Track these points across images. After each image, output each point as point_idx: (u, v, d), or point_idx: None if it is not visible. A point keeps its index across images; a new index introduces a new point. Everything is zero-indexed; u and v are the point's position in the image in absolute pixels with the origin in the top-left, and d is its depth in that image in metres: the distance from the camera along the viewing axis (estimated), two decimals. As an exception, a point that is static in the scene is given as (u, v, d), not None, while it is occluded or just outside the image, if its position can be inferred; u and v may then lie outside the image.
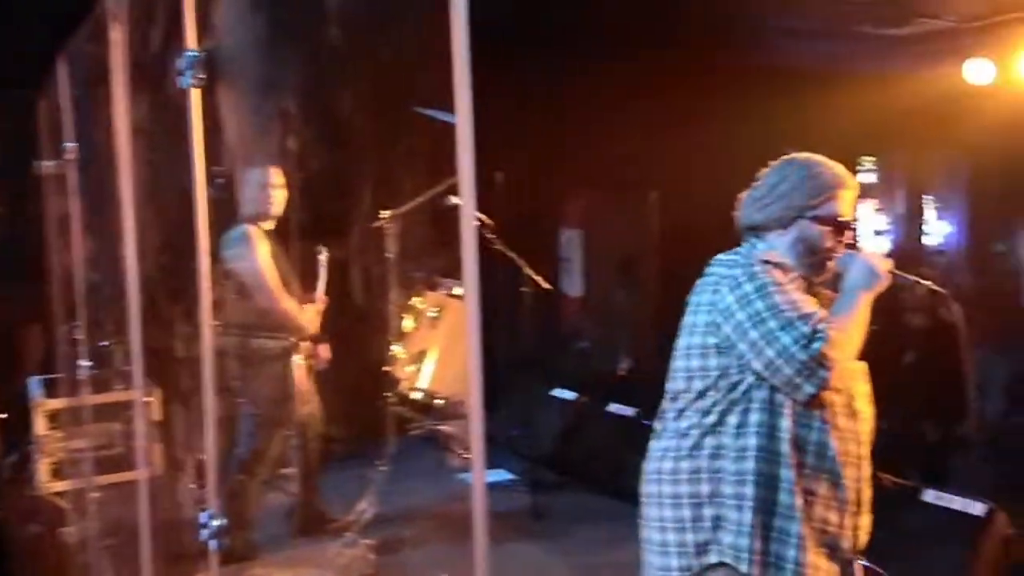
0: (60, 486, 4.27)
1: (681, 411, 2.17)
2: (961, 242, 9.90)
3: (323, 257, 4.66)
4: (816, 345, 1.98)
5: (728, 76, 6.74)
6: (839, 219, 2.23)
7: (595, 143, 6.49)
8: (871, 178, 10.31)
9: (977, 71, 6.57)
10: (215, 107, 3.77)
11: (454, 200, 4.66)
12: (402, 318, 4.68)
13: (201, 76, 2.01)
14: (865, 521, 2.15)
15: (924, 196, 10.36)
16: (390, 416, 4.73)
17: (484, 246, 4.79)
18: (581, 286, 6.83)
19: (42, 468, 4.33)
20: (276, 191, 4.41)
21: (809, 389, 2.00)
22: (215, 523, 2.07)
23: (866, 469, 2.16)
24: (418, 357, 4.49)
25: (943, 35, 6.59)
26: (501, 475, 5.44)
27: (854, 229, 2.27)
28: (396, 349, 4.64)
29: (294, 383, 4.32)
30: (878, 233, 10.28)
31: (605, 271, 6.60)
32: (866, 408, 2.19)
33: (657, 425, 2.29)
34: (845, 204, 2.24)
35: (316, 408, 4.60)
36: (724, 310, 2.07)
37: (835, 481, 2.07)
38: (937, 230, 10.36)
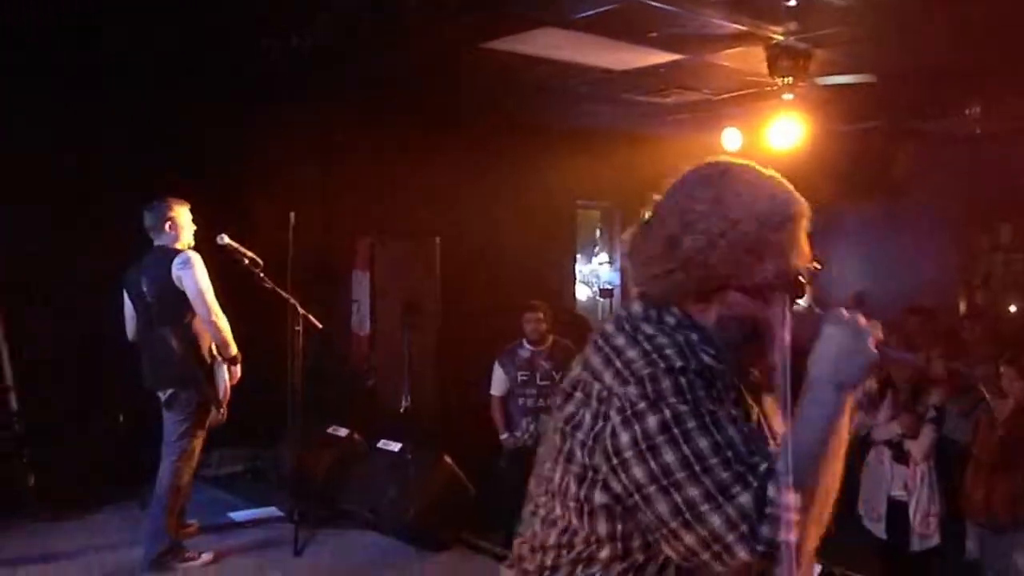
0: None
1: (551, 569, 1.38)
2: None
3: None
4: (763, 530, 1.17)
5: (510, 134, 7.28)
6: (793, 276, 1.36)
7: (387, 191, 6.81)
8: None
9: (729, 139, 7.38)
10: None
11: (224, 239, 4.85)
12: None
13: None
14: None
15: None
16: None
17: (256, 284, 4.92)
18: (369, 325, 7.05)
19: None
20: None
21: None
22: None
23: None
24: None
25: (700, 105, 7.37)
26: (270, 510, 5.55)
27: (811, 280, 1.38)
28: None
29: None
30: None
31: (392, 312, 6.84)
32: None
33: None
34: (799, 243, 1.38)
35: None
36: (613, 454, 1.25)
37: None
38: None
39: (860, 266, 10.36)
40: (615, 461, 1.25)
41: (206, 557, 4.74)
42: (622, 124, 8.19)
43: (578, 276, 9.77)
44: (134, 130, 5.97)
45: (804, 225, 1.39)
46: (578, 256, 9.77)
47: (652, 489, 1.22)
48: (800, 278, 1.37)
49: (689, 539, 1.21)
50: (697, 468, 1.20)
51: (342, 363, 6.97)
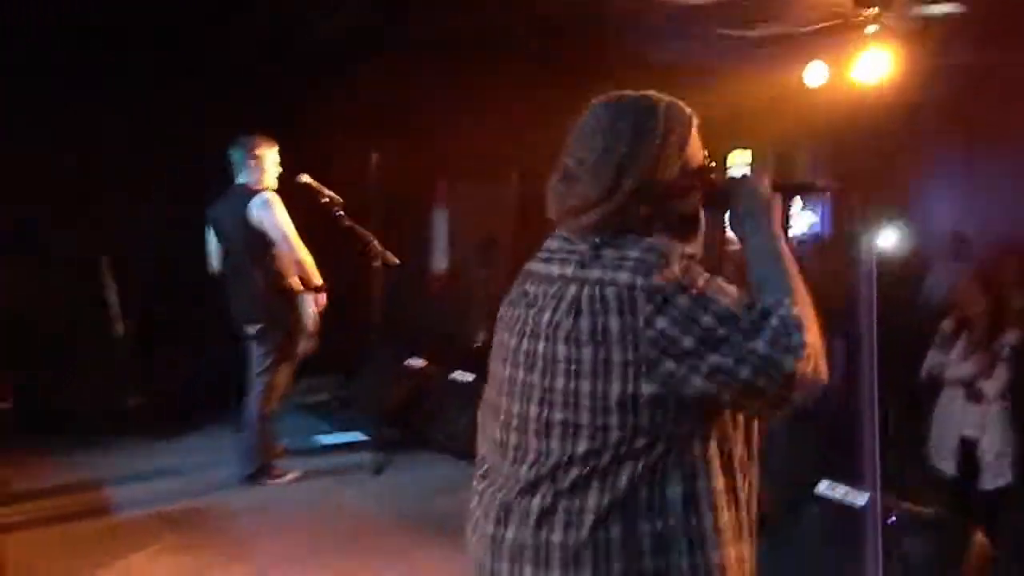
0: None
1: (585, 478, 1.47)
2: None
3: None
4: (796, 337, 1.42)
5: (589, 69, 7.21)
6: (705, 169, 1.63)
7: (466, 126, 6.90)
8: (746, 170, 11.00)
9: (814, 74, 7.18)
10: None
11: (304, 178, 5.07)
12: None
13: None
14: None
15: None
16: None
17: (335, 222, 5.15)
18: (447, 262, 7.25)
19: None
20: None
21: (797, 399, 1.45)
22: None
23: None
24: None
25: (785, 38, 7.17)
26: (353, 435, 5.90)
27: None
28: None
29: None
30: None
31: (469, 249, 7.01)
32: None
33: (511, 502, 1.54)
34: (697, 143, 1.62)
35: None
36: (661, 336, 1.41)
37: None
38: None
39: (961, 205, 9.97)
40: (664, 342, 1.42)
41: (292, 475, 5.09)
42: (707, 58, 8.03)
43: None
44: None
45: (696, 123, 1.62)
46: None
47: (703, 348, 1.41)
48: (710, 167, 1.64)
49: (744, 372, 1.41)
50: (731, 321, 1.43)
51: (421, 298, 7.20)
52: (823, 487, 3.71)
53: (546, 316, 1.52)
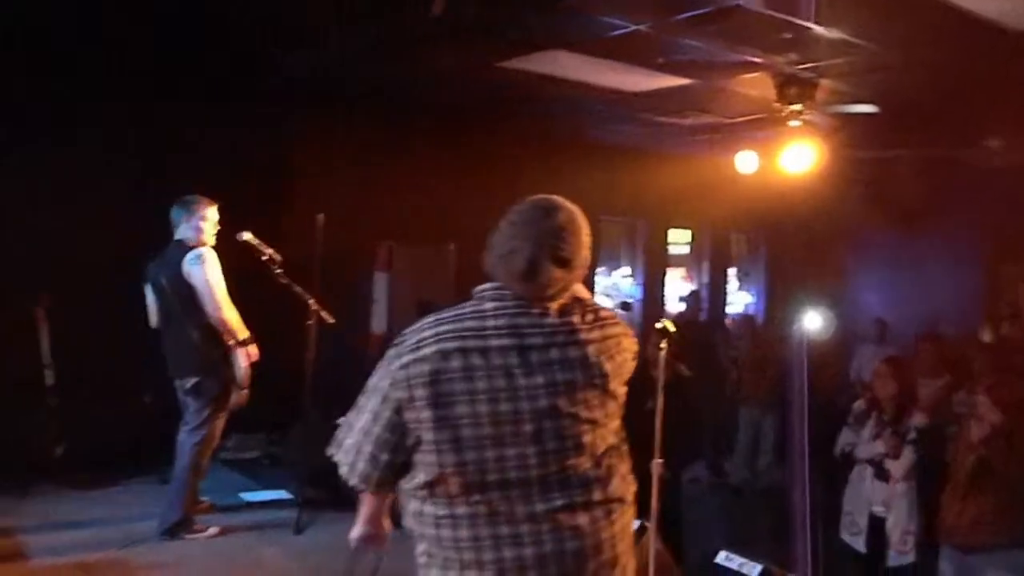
0: None
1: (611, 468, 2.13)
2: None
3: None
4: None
5: (535, 147, 7.53)
6: None
7: (409, 198, 7.10)
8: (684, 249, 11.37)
9: (745, 161, 7.57)
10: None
11: (245, 236, 5.18)
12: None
13: None
14: None
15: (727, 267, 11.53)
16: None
17: (273, 280, 5.23)
18: (386, 324, 7.36)
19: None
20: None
21: None
22: None
23: None
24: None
25: (716, 127, 7.57)
26: (278, 493, 5.90)
27: None
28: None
29: None
30: (682, 299, 11.29)
31: (408, 312, 7.12)
32: None
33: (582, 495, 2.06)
34: None
35: None
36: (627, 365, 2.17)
37: None
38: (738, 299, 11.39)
39: (886, 293, 10.40)
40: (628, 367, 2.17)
41: (212, 531, 5.07)
42: (644, 142, 8.40)
43: (598, 289, 9.97)
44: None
45: None
46: (599, 269, 9.97)
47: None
48: None
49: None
50: None
51: (356, 359, 7.26)
52: (721, 558, 3.86)
53: (587, 371, 2.07)
